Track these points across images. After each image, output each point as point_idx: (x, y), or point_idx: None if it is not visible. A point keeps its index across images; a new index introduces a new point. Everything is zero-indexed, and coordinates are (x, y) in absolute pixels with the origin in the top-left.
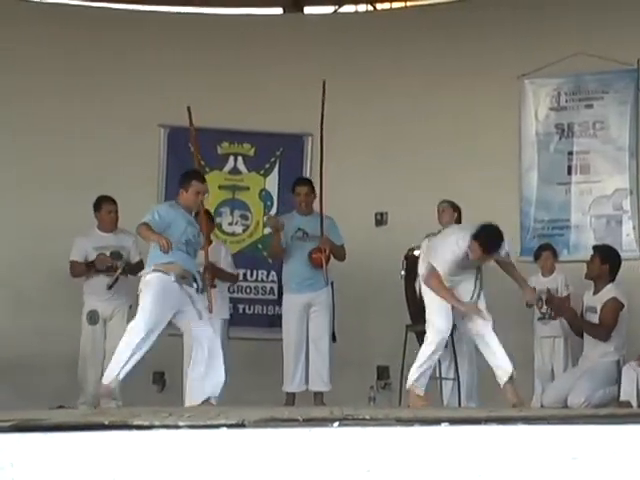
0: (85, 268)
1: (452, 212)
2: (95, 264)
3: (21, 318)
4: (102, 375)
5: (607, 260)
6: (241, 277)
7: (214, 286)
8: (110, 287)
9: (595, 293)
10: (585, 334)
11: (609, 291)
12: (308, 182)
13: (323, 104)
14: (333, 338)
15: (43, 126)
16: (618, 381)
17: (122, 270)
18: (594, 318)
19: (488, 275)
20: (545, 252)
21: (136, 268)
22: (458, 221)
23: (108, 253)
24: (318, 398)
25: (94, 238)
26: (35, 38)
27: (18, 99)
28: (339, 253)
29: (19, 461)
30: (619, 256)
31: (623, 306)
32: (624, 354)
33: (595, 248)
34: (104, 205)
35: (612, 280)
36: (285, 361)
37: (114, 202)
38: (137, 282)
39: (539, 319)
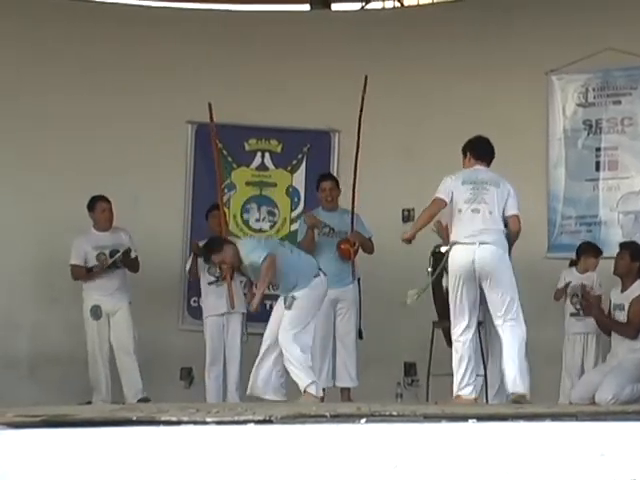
0: (85, 273)
1: None
2: (94, 270)
3: (51, 314)
4: (110, 371)
5: (637, 257)
6: None
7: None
8: (110, 265)
9: (623, 290)
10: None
11: (637, 288)
12: (332, 177)
13: (363, 99)
14: (360, 335)
15: (71, 123)
16: None
17: (122, 254)
18: (622, 316)
19: (515, 273)
20: (592, 256)
21: (133, 264)
22: None
23: (107, 252)
24: (345, 394)
25: (91, 238)
26: (62, 35)
27: (45, 96)
28: (368, 246)
29: (48, 456)
30: None
31: None
32: None
33: (623, 245)
34: (98, 204)
35: (638, 274)
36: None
37: (107, 201)
38: (135, 278)
39: (572, 315)
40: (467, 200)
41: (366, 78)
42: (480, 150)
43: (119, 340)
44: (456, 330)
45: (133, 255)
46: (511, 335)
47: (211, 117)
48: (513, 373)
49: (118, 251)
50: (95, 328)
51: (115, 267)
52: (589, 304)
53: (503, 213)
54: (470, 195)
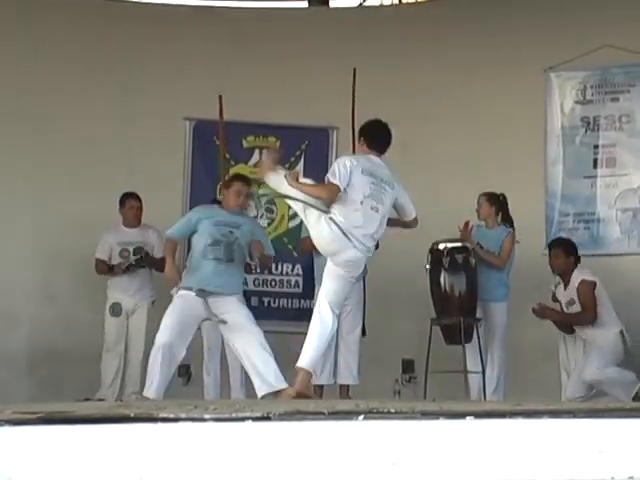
0: (107, 269)
1: (489, 205)
2: (114, 269)
3: (51, 311)
4: (122, 368)
5: (571, 252)
6: (266, 270)
7: None
8: (123, 270)
9: (566, 286)
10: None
11: (577, 276)
12: None
13: (354, 92)
14: (363, 332)
15: (70, 121)
16: (626, 351)
17: (136, 260)
18: (577, 309)
19: (514, 271)
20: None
21: (158, 263)
22: (497, 213)
23: (132, 249)
24: (344, 391)
25: (118, 234)
26: (62, 33)
27: (46, 94)
28: None
29: (45, 453)
30: (576, 246)
31: (595, 283)
32: (624, 328)
33: (554, 244)
34: (127, 201)
35: (574, 268)
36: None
37: (138, 198)
38: (162, 277)
39: None
40: (368, 194)
41: (355, 70)
42: (383, 142)
43: (134, 339)
44: None
45: (162, 254)
46: None
47: (221, 111)
48: None
49: (141, 248)
50: (113, 325)
51: (139, 267)
52: (541, 307)
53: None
54: (371, 190)
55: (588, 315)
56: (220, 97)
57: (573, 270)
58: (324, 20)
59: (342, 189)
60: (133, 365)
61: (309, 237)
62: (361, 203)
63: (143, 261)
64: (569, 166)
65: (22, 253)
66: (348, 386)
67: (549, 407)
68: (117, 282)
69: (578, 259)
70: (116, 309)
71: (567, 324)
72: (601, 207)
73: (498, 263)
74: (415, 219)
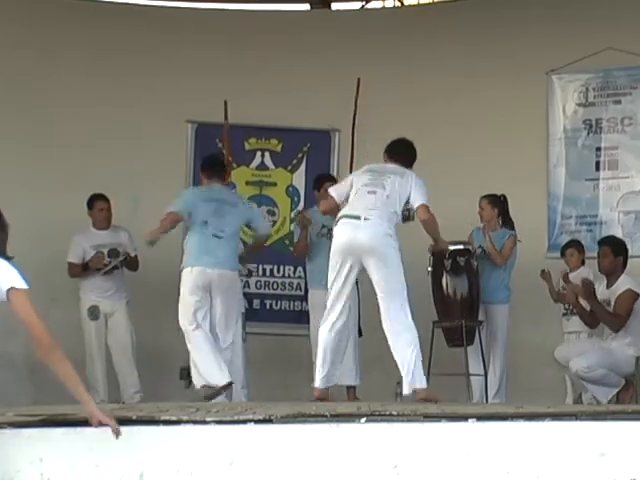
0: (82, 270)
1: (491, 209)
2: (90, 265)
3: (50, 313)
4: (107, 372)
5: (620, 252)
6: (268, 273)
7: None
8: (105, 273)
9: (609, 286)
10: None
11: (623, 282)
12: (334, 179)
13: (356, 102)
14: (359, 333)
15: (71, 124)
16: (634, 375)
17: (122, 259)
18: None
19: (516, 273)
20: (568, 249)
21: (132, 264)
22: (499, 215)
23: (106, 251)
24: (351, 392)
25: (90, 236)
26: (63, 36)
27: (45, 95)
28: None
29: (48, 455)
30: (626, 245)
31: (638, 296)
32: None
33: (603, 242)
34: (95, 203)
35: (623, 271)
36: (314, 357)
37: (106, 200)
38: (134, 277)
39: (563, 315)
40: (365, 184)
41: (359, 81)
42: (393, 151)
43: (117, 341)
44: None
45: (133, 254)
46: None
47: (226, 115)
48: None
49: (116, 250)
50: (93, 329)
51: (114, 269)
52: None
53: (407, 204)
54: (369, 180)
55: (618, 322)
56: (225, 102)
57: (620, 272)
58: (326, 22)
59: (339, 200)
60: (125, 367)
61: (301, 241)
62: (356, 192)
63: (126, 262)
64: (571, 169)
65: (21, 255)
66: (354, 388)
67: (551, 410)
68: (92, 284)
69: (627, 260)
70: (95, 312)
71: (592, 317)
72: (603, 210)
73: (498, 259)
74: (422, 209)
